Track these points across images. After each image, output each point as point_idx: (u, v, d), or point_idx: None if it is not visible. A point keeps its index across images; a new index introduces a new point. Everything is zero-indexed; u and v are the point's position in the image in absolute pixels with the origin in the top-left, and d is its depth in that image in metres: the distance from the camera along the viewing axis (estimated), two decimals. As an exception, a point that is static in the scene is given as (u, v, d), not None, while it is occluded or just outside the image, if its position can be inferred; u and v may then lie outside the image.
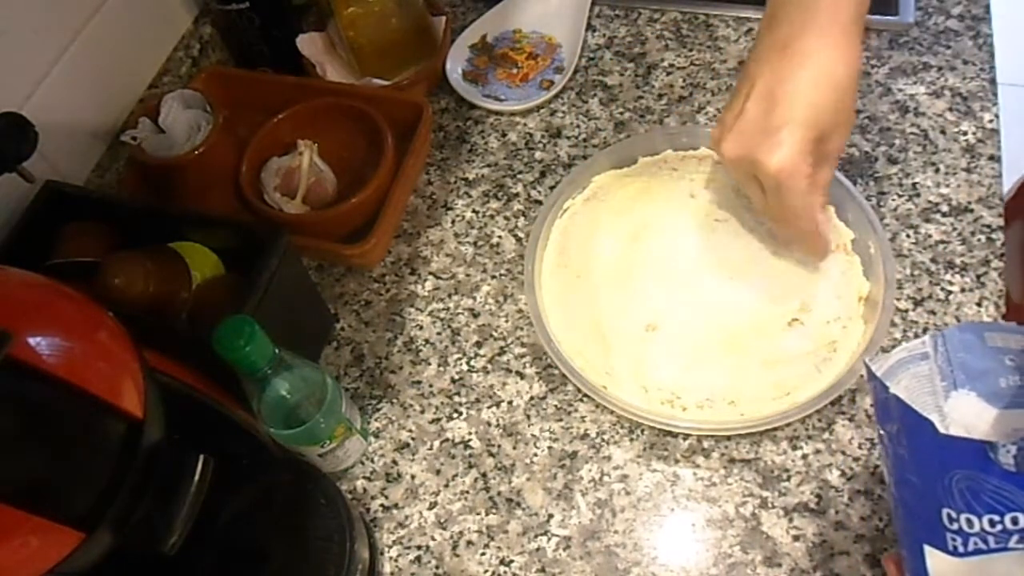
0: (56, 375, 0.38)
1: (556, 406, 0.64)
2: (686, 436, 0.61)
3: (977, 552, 0.40)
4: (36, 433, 0.38)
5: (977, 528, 0.40)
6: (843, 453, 0.60)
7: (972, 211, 0.69)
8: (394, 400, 0.65)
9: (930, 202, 0.70)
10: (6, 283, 0.42)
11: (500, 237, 0.73)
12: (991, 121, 0.74)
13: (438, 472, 0.62)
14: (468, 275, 0.71)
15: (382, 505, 0.61)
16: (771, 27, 0.57)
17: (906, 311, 0.65)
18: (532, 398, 0.64)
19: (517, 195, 0.75)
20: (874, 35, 0.81)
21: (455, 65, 0.83)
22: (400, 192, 0.71)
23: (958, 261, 0.67)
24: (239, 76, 0.82)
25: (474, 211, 0.75)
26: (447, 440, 0.63)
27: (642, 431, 0.62)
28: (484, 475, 0.61)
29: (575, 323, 0.64)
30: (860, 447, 0.60)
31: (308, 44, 0.82)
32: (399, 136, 0.72)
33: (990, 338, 0.45)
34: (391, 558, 0.59)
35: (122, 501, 0.39)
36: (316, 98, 0.75)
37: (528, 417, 0.63)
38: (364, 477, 0.62)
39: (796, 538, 0.57)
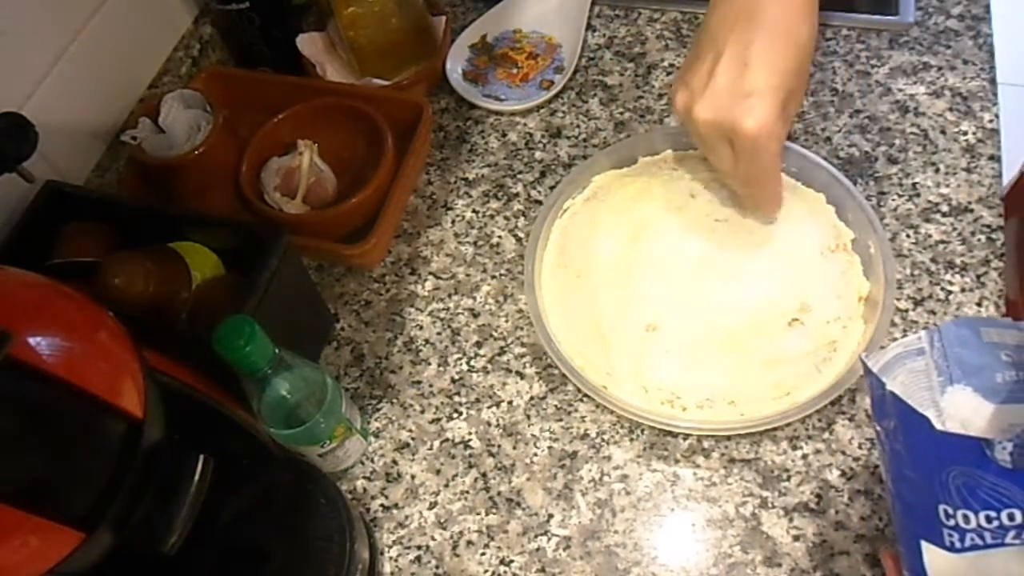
0: (56, 375, 0.38)
1: (556, 406, 0.64)
2: (686, 436, 0.61)
3: (974, 548, 0.40)
4: (36, 433, 0.38)
5: (974, 524, 0.40)
6: (843, 453, 0.60)
7: (972, 211, 0.69)
8: (394, 400, 0.65)
9: (930, 202, 0.70)
10: (6, 283, 0.42)
11: (500, 237, 0.73)
12: (991, 121, 0.74)
13: (438, 472, 0.62)
14: (468, 275, 0.71)
15: (382, 505, 0.61)
16: None
17: (906, 311, 0.65)
18: (532, 398, 0.64)
19: (517, 195, 0.75)
20: (874, 35, 0.81)
21: (455, 65, 0.83)
22: (400, 192, 0.71)
23: (958, 261, 0.67)
24: (239, 76, 0.82)
25: (474, 211, 0.75)
26: (447, 440, 0.63)
27: (642, 431, 0.62)
28: (484, 475, 0.61)
29: (575, 323, 0.64)
30: (860, 447, 0.60)
31: (308, 44, 0.82)
32: (399, 136, 0.72)
33: (986, 333, 0.46)
34: (391, 558, 0.59)
35: (122, 501, 0.39)
36: (316, 98, 0.75)
37: (528, 417, 0.63)
38: (364, 477, 0.62)
39: (796, 538, 0.57)
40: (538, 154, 0.78)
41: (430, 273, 0.72)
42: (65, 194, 0.64)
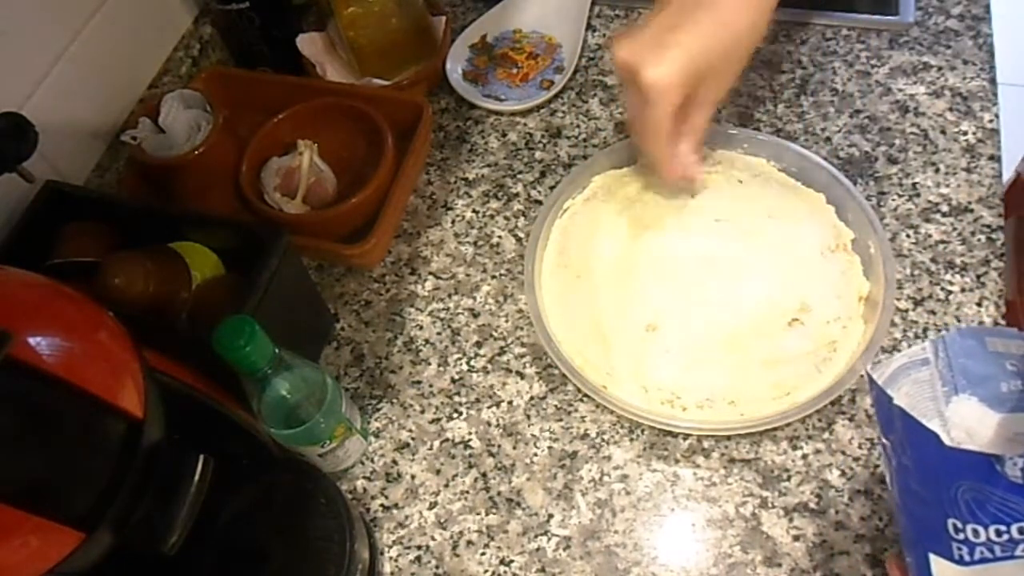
0: (56, 375, 0.38)
1: (556, 406, 0.64)
2: (686, 436, 0.61)
3: (983, 561, 0.40)
4: (36, 433, 0.38)
5: (983, 538, 0.40)
6: (843, 453, 0.60)
7: (972, 211, 0.69)
8: (394, 400, 0.65)
9: (930, 202, 0.70)
10: (6, 283, 0.42)
11: (500, 237, 0.73)
12: (991, 121, 0.74)
13: (438, 472, 0.62)
14: (468, 275, 0.71)
15: (382, 505, 0.61)
16: None
17: (906, 311, 0.65)
18: (532, 398, 0.64)
19: (517, 195, 0.75)
20: (874, 35, 0.81)
21: (455, 65, 0.83)
22: (400, 192, 0.71)
23: (958, 261, 0.67)
24: (239, 76, 0.82)
25: (474, 211, 0.75)
26: (447, 440, 0.63)
27: (642, 431, 0.62)
28: (484, 475, 0.61)
29: (575, 323, 0.64)
30: (860, 447, 0.60)
31: (308, 44, 0.82)
32: (399, 136, 0.72)
33: (991, 343, 0.46)
34: (391, 558, 0.59)
35: (122, 501, 0.39)
36: (316, 98, 0.75)
37: (528, 417, 0.63)
38: (364, 477, 0.62)
39: (796, 538, 0.57)
40: (538, 154, 0.78)
41: (430, 273, 0.72)
42: (65, 194, 0.64)
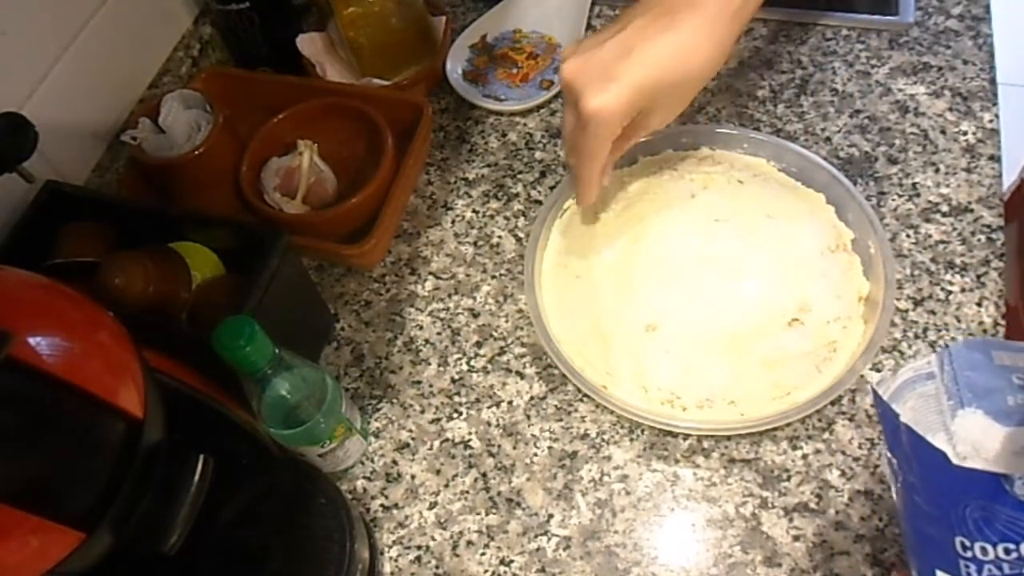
0: (56, 375, 0.38)
1: (556, 406, 0.64)
2: (686, 436, 0.61)
3: None
4: (36, 433, 0.38)
5: (991, 556, 0.40)
6: (843, 453, 0.60)
7: (972, 211, 0.69)
8: (394, 400, 0.65)
9: (930, 202, 0.70)
10: (6, 283, 0.42)
11: (500, 237, 0.73)
12: (991, 121, 0.74)
13: (438, 472, 0.62)
14: (468, 275, 0.71)
15: (382, 505, 0.61)
16: None
17: (906, 311, 0.65)
18: (532, 398, 0.64)
19: (517, 195, 0.75)
20: (874, 35, 0.81)
21: (455, 65, 0.83)
22: (400, 192, 0.71)
23: (958, 261, 0.67)
24: (239, 76, 0.82)
25: (474, 211, 0.75)
26: (447, 440, 0.63)
27: (642, 431, 0.62)
28: (484, 475, 0.61)
29: (575, 323, 0.64)
30: (860, 447, 0.60)
31: (308, 44, 0.82)
32: (399, 136, 0.72)
33: (997, 356, 0.45)
34: (391, 558, 0.59)
35: (122, 501, 0.39)
36: (316, 98, 0.75)
37: (528, 417, 0.63)
38: (364, 477, 0.62)
39: (796, 538, 0.57)
40: (538, 154, 0.78)
41: (430, 273, 0.72)
42: (65, 194, 0.64)
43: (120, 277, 0.56)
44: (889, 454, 0.44)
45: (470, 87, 0.82)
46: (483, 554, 0.58)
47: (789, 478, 0.59)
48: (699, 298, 0.64)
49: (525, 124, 0.80)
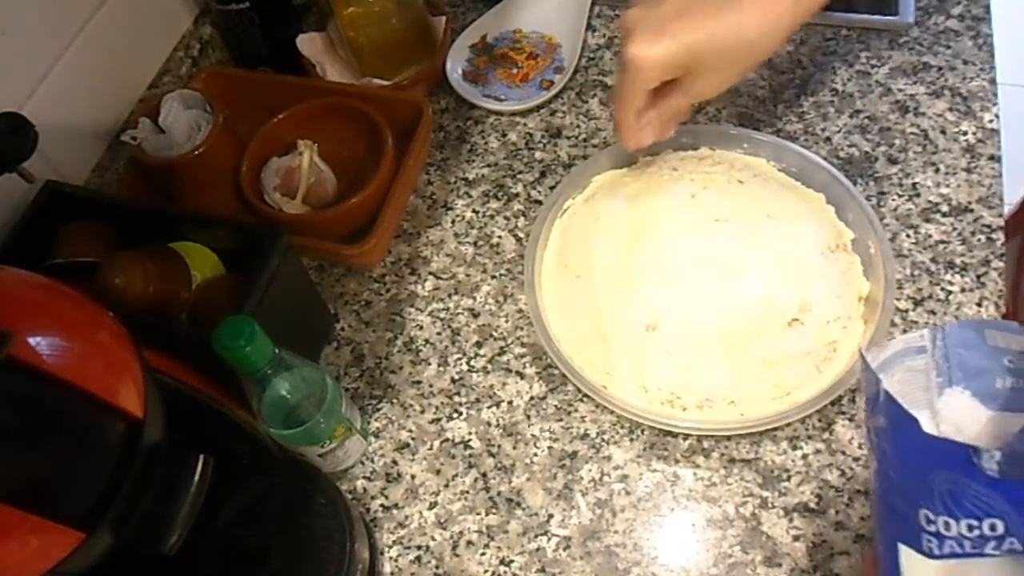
0: (56, 375, 0.38)
1: (556, 406, 0.64)
2: (686, 436, 0.61)
3: (952, 556, 0.40)
4: (36, 433, 0.38)
5: (955, 532, 0.39)
6: (843, 453, 0.60)
7: (972, 211, 0.69)
8: (394, 400, 0.65)
9: (930, 202, 0.70)
10: (6, 283, 0.42)
11: (500, 237, 0.73)
12: (991, 121, 0.74)
13: (438, 472, 0.62)
14: (468, 275, 0.71)
15: (382, 505, 0.61)
16: None
17: (906, 311, 0.65)
18: (532, 398, 0.64)
19: (517, 195, 0.75)
20: (874, 35, 0.81)
21: (455, 65, 0.83)
22: (400, 192, 0.71)
23: (958, 261, 0.67)
24: (239, 76, 0.82)
25: (474, 211, 0.75)
26: (447, 440, 0.63)
27: (642, 431, 0.62)
28: (484, 475, 0.61)
29: (575, 323, 0.64)
30: (860, 447, 0.60)
31: (308, 44, 0.82)
32: (399, 136, 0.72)
33: (991, 336, 0.45)
34: (391, 558, 0.59)
35: (122, 501, 0.39)
36: (316, 98, 0.75)
37: (528, 417, 0.63)
38: (364, 477, 0.62)
39: (796, 538, 0.57)
40: (538, 154, 0.78)
41: (430, 273, 0.72)
42: (65, 194, 0.64)
43: (120, 277, 0.56)
44: (869, 422, 0.44)
45: (470, 87, 0.82)
46: (483, 554, 0.58)
47: (789, 478, 0.59)
48: (699, 298, 0.64)
49: (525, 124, 0.80)
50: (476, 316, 0.69)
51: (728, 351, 0.62)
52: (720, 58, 0.58)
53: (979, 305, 0.64)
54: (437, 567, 0.58)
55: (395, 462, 0.63)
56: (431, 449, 0.63)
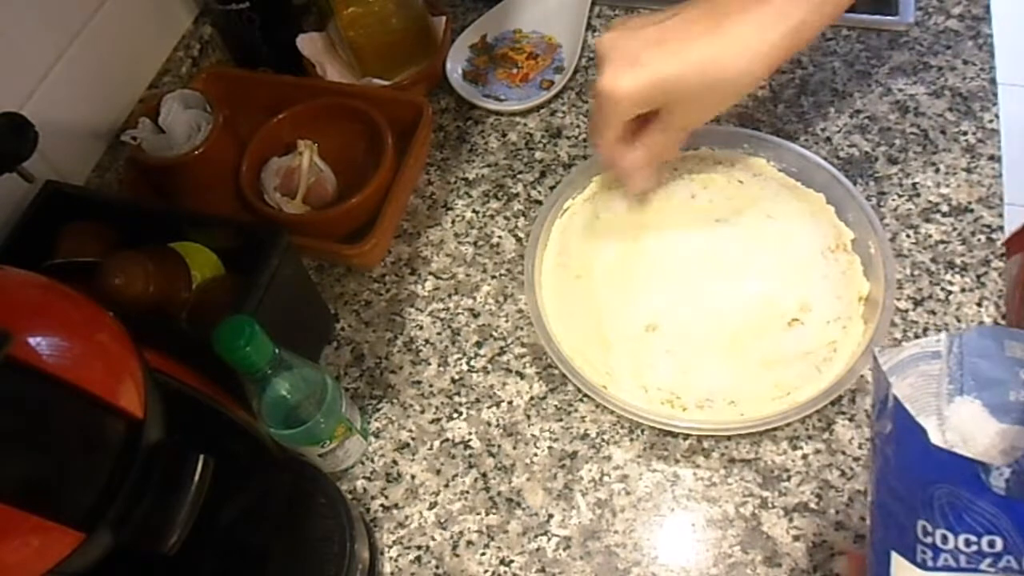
0: (56, 375, 0.38)
1: (556, 406, 0.64)
2: (686, 436, 0.61)
3: (946, 569, 0.39)
4: (36, 433, 0.38)
5: (951, 546, 0.39)
6: (843, 453, 0.60)
7: (972, 211, 0.69)
8: (394, 400, 0.65)
9: (930, 202, 0.70)
10: (6, 283, 0.42)
11: (500, 237, 0.73)
12: (991, 121, 0.74)
13: (438, 472, 0.62)
14: (468, 275, 0.71)
15: (382, 505, 0.61)
16: None
17: (906, 311, 0.65)
18: (532, 398, 0.64)
19: (517, 195, 0.75)
20: (874, 35, 0.81)
21: (455, 65, 0.83)
22: (400, 192, 0.71)
23: (958, 261, 0.67)
24: (239, 76, 0.82)
25: (474, 211, 0.75)
26: (447, 440, 0.63)
27: (642, 431, 0.62)
28: (484, 475, 0.61)
29: (575, 323, 0.64)
30: (860, 447, 0.60)
31: (308, 44, 0.82)
32: (399, 136, 0.72)
33: (1009, 347, 0.43)
34: (391, 558, 0.59)
35: (122, 501, 0.39)
36: (316, 98, 0.75)
37: (528, 417, 0.63)
38: (364, 477, 0.62)
39: (796, 538, 0.57)
40: (538, 154, 0.78)
41: (430, 273, 0.72)
42: (65, 194, 0.64)
43: (120, 277, 0.56)
44: (874, 425, 0.43)
45: (470, 87, 0.82)
46: (483, 554, 0.58)
47: (789, 478, 0.59)
48: (699, 298, 0.64)
49: (525, 124, 0.80)
50: (476, 316, 0.69)
51: (728, 351, 0.62)
52: (698, 91, 0.55)
53: (979, 305, 0.64)
54: (437, 567, 0.58)
55: (395, 462, 0.63)
56: (431, 449, 0.63)
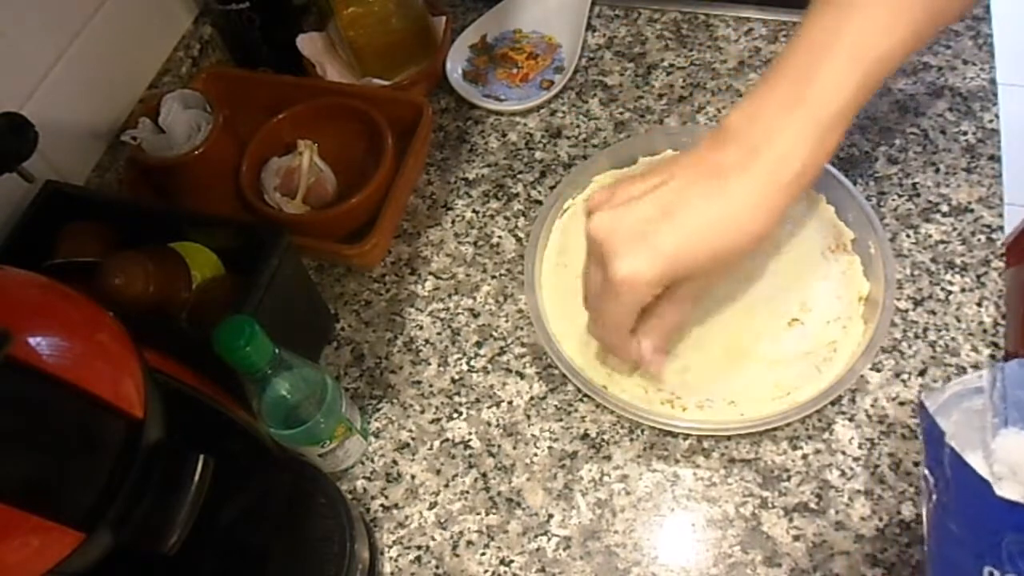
0: (56, 375, 0.38)
1: (556, 406, 0.64)
2: (686, 436, 0.61)
3: None
4: (36, 433, 0.38)
5: None
6: (843, 453, 0.60)
7: (972, 211, 0.69)
8: (394, 400, 0.65)
9: (930, 202, 0.70)
10: (6, 283, 0.42)
11: (500, 237, 0.73)
12: (991, 121, 0.74)
13: (438, 472, 0.62)
14: (468, 275, 0.71)
15: (382, 505, 0.61)
16: (720, 141, 0.52)
17: (906, 311, 0.65)
18: (532, 398, 0.64)
19: (517, 195, 0.75)
20: (874, 35, 0.80)
21: (455, 65, 0.83)
22: (400, 192, 0.71)
23: (958, 261, 0.67)
24: (239, 76, 0.82)
25: (474, 211, 0.75)
26: (447, 440, 0.63)
27: (642, 431, 0.62)
28: (484, 475, 0.61)
29: (575, 323, 0.64)
30: (860, 447, 0.60)
31: (308, 44, 0.82)
32: (399, 136, 0.72)
33: None
34: (391, 558, 0.59)
35: (122, 501, 0.39)
36: (316, 98, 0.76)
37: (528, 417, 0.63)
38: (364, 477, 0.62)
39: (796, 538, 0.57)
40: (538, 154, 0.78)
41: (430, 273, 0.72)
42: (65, 194, 0.64)
43: (120, 277, 0.56)
44: (926, 471, 0.43)
45: (470, 87, 0.82)
46: (483, 554, 0.58)
47: (789, 478, 0.59)
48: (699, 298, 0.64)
49: (525, 124, 0.80)
50: (476, 316, 0.69)
51: (728, 351, 0.62)
52: (712, 264, 0.51)
53: (979, 305, 0.64)
54: (437, 567, 0.58)
55: (395, 462, 0.63)
56: (431, 449, 0.63)
